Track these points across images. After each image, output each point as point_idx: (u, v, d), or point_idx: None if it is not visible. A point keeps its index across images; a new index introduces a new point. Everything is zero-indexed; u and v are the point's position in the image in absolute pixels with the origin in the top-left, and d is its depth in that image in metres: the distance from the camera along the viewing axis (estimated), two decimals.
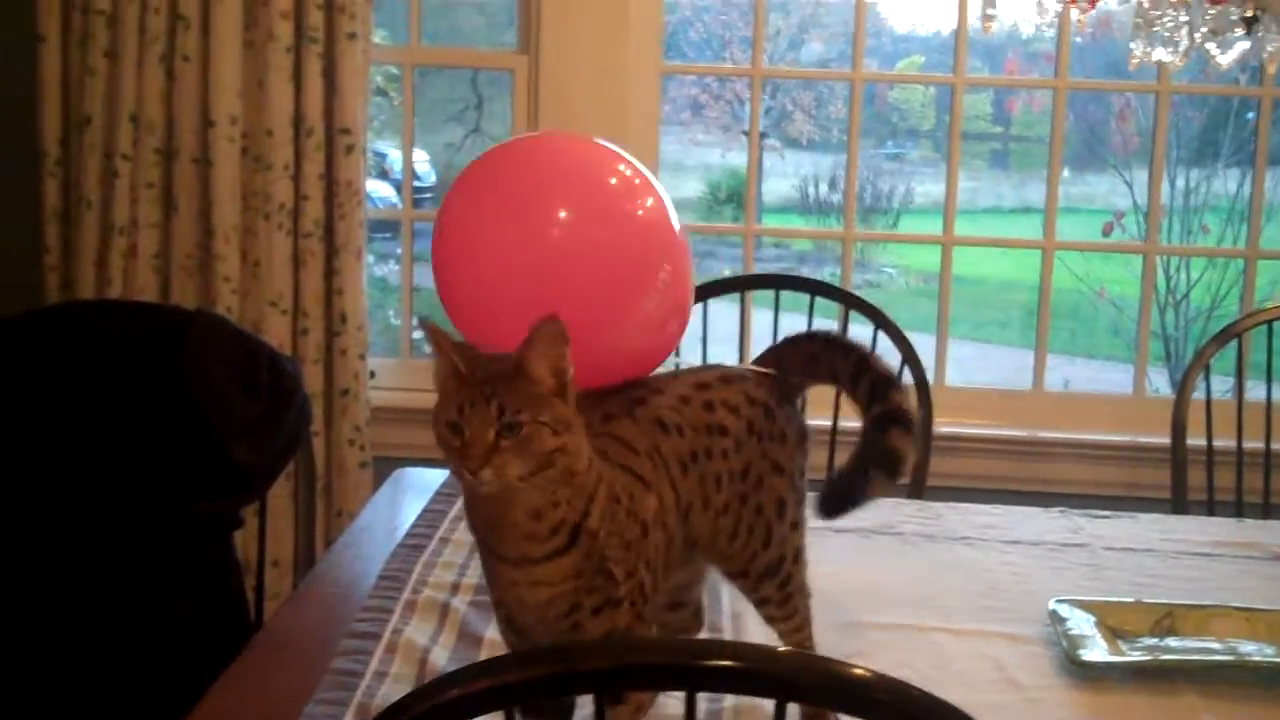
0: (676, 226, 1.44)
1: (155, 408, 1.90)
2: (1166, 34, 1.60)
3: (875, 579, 1.84)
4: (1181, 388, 2.55)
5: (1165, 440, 2.60)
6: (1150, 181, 3.25)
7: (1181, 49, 1.61)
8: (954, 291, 3.30)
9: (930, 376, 2.59)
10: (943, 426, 2.66)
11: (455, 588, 1.76)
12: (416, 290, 3.41)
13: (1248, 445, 2.55)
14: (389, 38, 3.23)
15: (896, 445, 1.39)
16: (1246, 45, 1.69)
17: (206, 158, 2.86)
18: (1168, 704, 1.50)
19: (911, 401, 1.45)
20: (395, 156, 5.49)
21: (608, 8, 3.02)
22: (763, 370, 1.45)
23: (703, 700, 1.40)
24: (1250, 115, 5.02)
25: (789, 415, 1.43)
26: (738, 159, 6.47)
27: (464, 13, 4.64)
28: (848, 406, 2.51)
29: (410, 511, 2.05)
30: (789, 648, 1.42)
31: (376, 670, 1.52)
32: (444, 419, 1.16)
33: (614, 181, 1.44)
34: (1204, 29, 1.67)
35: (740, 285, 2.76)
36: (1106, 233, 5.44)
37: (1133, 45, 1.66)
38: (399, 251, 3.41)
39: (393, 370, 3.20)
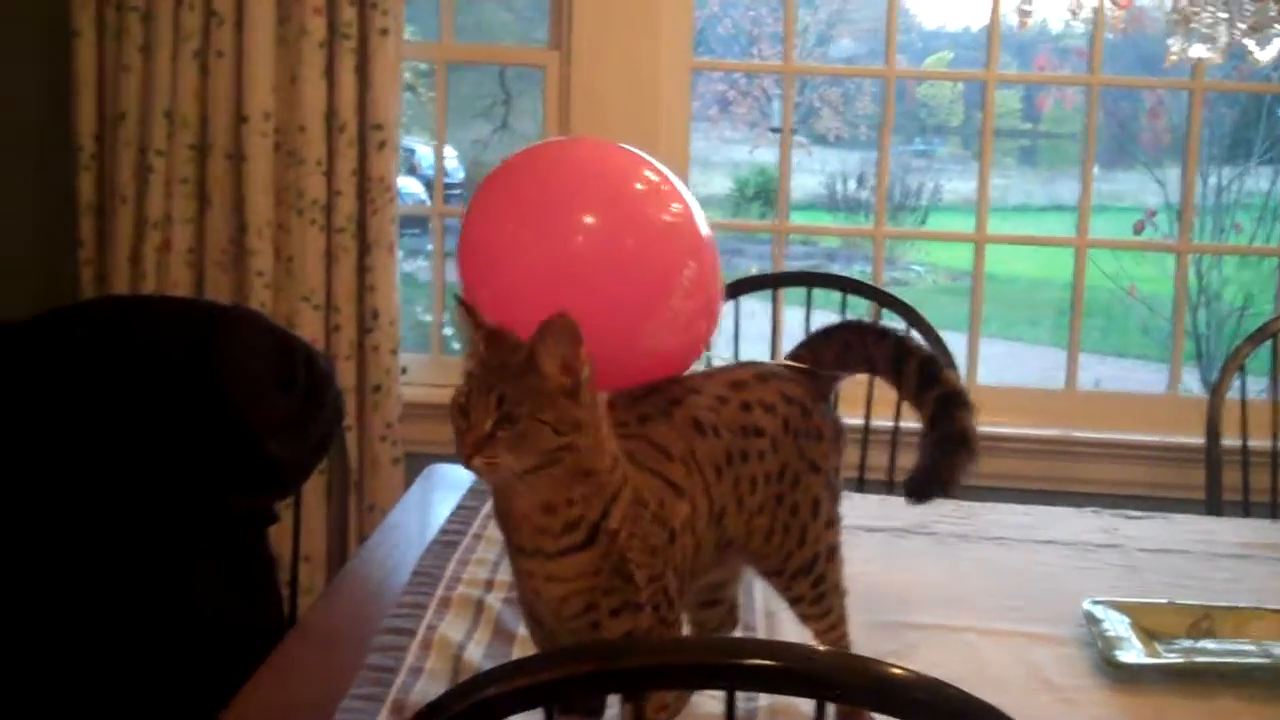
0: (704, 229, 1.43)
1: (190, 403, 1.91)
2: (1205, 30, 1.59)
3: (908, 579, 1.84)
4: (1216, 387, 2.53)
5: (1199, 440, 2.59)
6: (1184, 179, 3.23)
7: (1220, 45, 1.60)
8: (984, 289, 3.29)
9: (962, 375, 2.58)
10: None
11: (489, 584, 1.76)
12: (448, 286, 3.42)
13: None
14: (417, 33, 3.23)
15: (968, 424, 1.39)
16: None
17: (240, 153, 2.87)
18: (1204, 707, 1.49)
19: (959, 377, 1.44)
20: (423, 152, 5.50)
21: (639, 4, 3.02)
22: (797, 365, 1.45)
23: (738, 699, 1.40)
24: None
25: (824, 412, 1.42)
26: (765, 156, 6.46)
27: (490, 9, 4.64)
28: (880, 404, 2.52)
29: (442, 508, 2.06)
30: (826, 647, 1.41)
31: (412, 666, 1.52)
32: (455, 401, 1.17)
33: (640, 187, 1.43)
34: (1243, 25, 1.65)
35: (772, 283, 2.75)
36: (1138, 231, 5.41)
37: (1170, 42, 1.65)
38: (427, 247, 3.42)
39: (424, 366, 3.21)
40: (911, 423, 2.55)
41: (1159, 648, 1.60)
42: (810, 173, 6.70)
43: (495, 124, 5.48)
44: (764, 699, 1.44)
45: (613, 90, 3.03)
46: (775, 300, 2.75)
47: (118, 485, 1.87)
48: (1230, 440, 2.52)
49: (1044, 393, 3.30)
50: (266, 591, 2.02)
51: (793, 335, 1.50)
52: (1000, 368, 5.21)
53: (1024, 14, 1.68)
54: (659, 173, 1.44)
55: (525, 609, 1.31)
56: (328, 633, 1.68)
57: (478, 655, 1.56)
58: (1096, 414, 3.16)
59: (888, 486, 2.57)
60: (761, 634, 1.63)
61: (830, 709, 0.99)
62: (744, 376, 1.39)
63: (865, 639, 1.54)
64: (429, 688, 1.47)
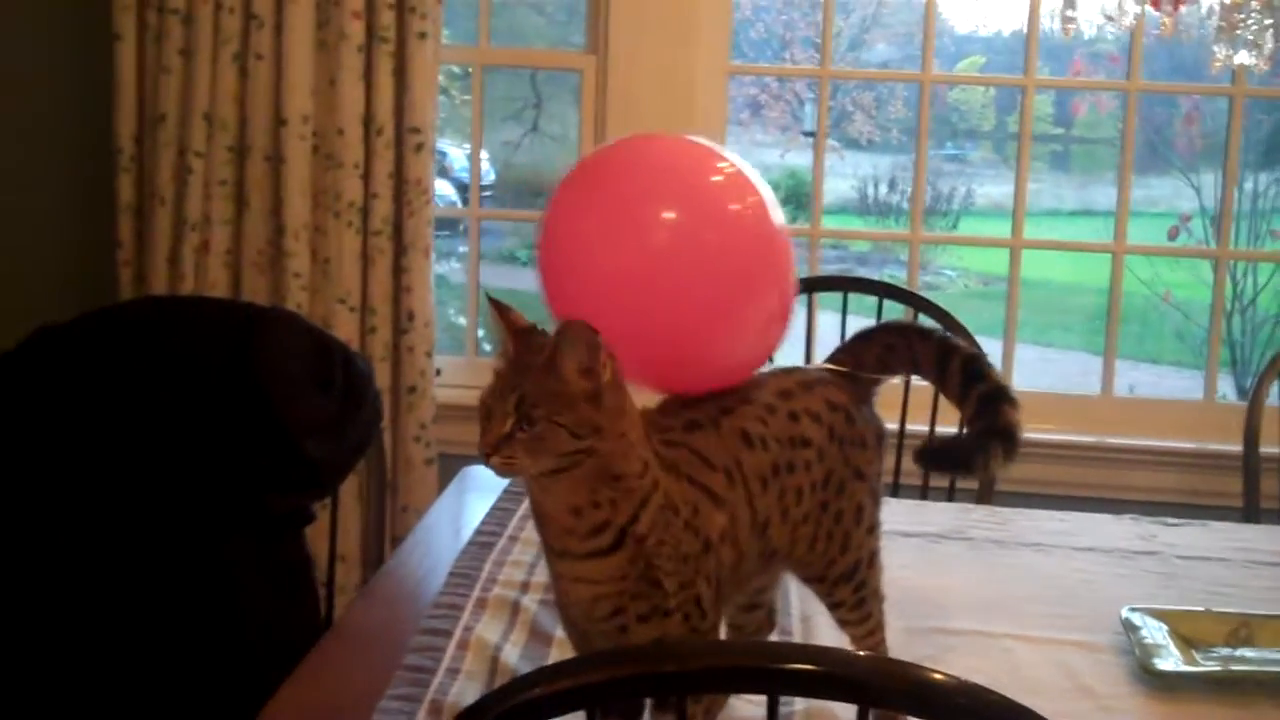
0: (780, 220, 1.40)
1: (229, 403, 1.92)
2: (1250, 37, 1.59)
3: (945, 584, 1.83)
4: (1255, 394, 2.51)
5: (1236, 447, 2.57)
6: (1223, 185, 3.21)
7: (1266, 52, 1.59)
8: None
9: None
10: None
11: (525, 586, 1.77)
12: (481, 288, 3.43)
13: None
14: (450, 37, 3.25)
15: (1013, 420, 1.38)
16: None
17: (278, 155, 2.89)
18: (1242, 715, 1.49)
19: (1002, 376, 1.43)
20: (454, 155, 5.52)
21: (676, 8, 3.02)
22: (839, 369, 1.45)
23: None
24: None
25: (868, 418, 1.42)
26: (797, 159, 6.45)
27: (522, 12, 4.65)
28: (915, 409, 2.51)
29: (476, 509, 2.07)
30: (867, 651, 1.41)
31: (449, 667, 1.53)
32: (481, 399, 1.18)
33: (718, 180, 1.40)
34: None
35: (807, 287, 2.75)
36: (1172, 237, 5.38)
37: (1215, 49, 1.64)
38: (459, 249, 3.43)
39: (457, 368, 3.22)
40: (948, 427, 2.54)
41: (1197, 656, 1.59)
42: (841, 176, 6.69)
43: (526, 127, 5.49)
44: (800, 703, 1.44)
45: (649, 94, 3.04)
46: (810, 304, 2.75)
47: (156, 485, 1.88)
48: (1268, 448, 2.51)
49: (1080, 398, 3.29)
50: (304, 592, 2.03)
51: (825, 339, 1.49)
52: (1032, 373, 5.19)
53: (1068, 20, 1.67)
54: (735, 165, 1.41)
55: (560, 610, 1.32)
56: (365, 633, 1.70)
57: (514, 657, 1.57)
58: (1132, 420, 3.15)
59: (922, 492, 2.57)
60: (797, 638, 1.63)
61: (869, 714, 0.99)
62: (790, 385, 1.38)
63: (902, 644, 1.54)
64: (466, 689, 1.47)
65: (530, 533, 1.91)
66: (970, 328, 2.56)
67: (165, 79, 2.89)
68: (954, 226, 6.71)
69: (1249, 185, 5.41)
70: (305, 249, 2.92)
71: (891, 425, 2.54)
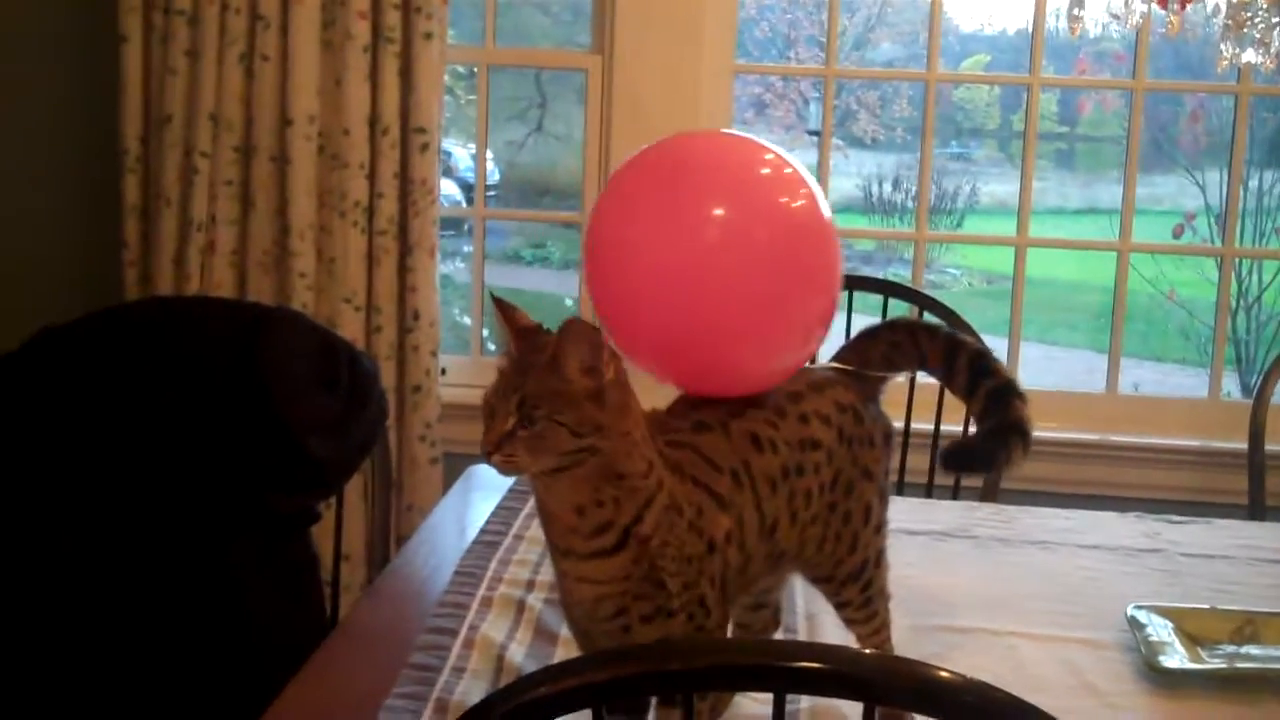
0: (827, 213, 1.39)
1: (235, 403, 1.93)
2: (1257, 35, 1.58)
3: (950, 582, 1.83)
4: (1260, 392, 2.51)
5: (1241, 445, 2.57)
6: (1228, 183, 3.21)
7: (1274, 50, 1.59)
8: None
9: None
10: None
11: (530, 584, 1.77)
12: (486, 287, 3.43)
13: None
14: (455, 37, 3.25)
15: (1024, 414, 1.40)
16: None
17: (284, 156, 2.89)
18: (1247, 712, 1.49)
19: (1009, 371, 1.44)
20: (459, 155, 5.52)
21: (681, 8, 3.02)
22: (846, 368, 1.45)
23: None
24: None
25: (875, 417, 1.42)
26: (801, 158, 6.44)
27: (527, 12, 4.65)
28: (920, 407, 2.52)
29: (481, 509, 2.07)
30: (873, 650, 1.41)
31: (454, 666, 1.53)
32: (485, 397, 1.18)
33: (766, 173, 1.38)
34: None
35: None
36: (1177, 235, 5.38)
37: (1222, 47, 1.64)
38: (464, 249, 3.43)
39: (462, 367, 3.22)
40: (953, 425, 2.54)
41: (1202, 653, 1.60)
42: (846, 175, 6.69)
43: (531, 127, 5.49)
44: (805, 701, 1.44)
45: (654, 93, 3.04)
46: None
47: (162, 485, 1.89)
48: (1273, 445, 2.51)
49: (1085, 397, 3.29)
50: (309, 591, 2.03)
51: (830, 338, 1.49)
52: (1037, 371, 5.18)
53: (1075, 20, 1.67)
54: (784, 161, 1.40)
55: (564, 610, 1.32)
56: (370, 632, 1.70)
57: (519, 655, 1.57)
58: (1137, 418, 3.15)
59: (927, 490, 2.57)
60: (803, 636, 1.64)
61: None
62: (800, 387, 1.37)
63: (907, 642, 1.54)
64: (471, 688, 1.48)
65: (536, 531, 1.91)
66: (975, 326, 2.55)
67: (171, 80, 2.89)
68: (958, 225, 6.70)
69: (1254, 183, 5.40)
70: (311, 249, 2.92)
71: (897, 423, 2.56)
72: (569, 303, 3.50)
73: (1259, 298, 5.38)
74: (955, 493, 2.54)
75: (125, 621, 1.84)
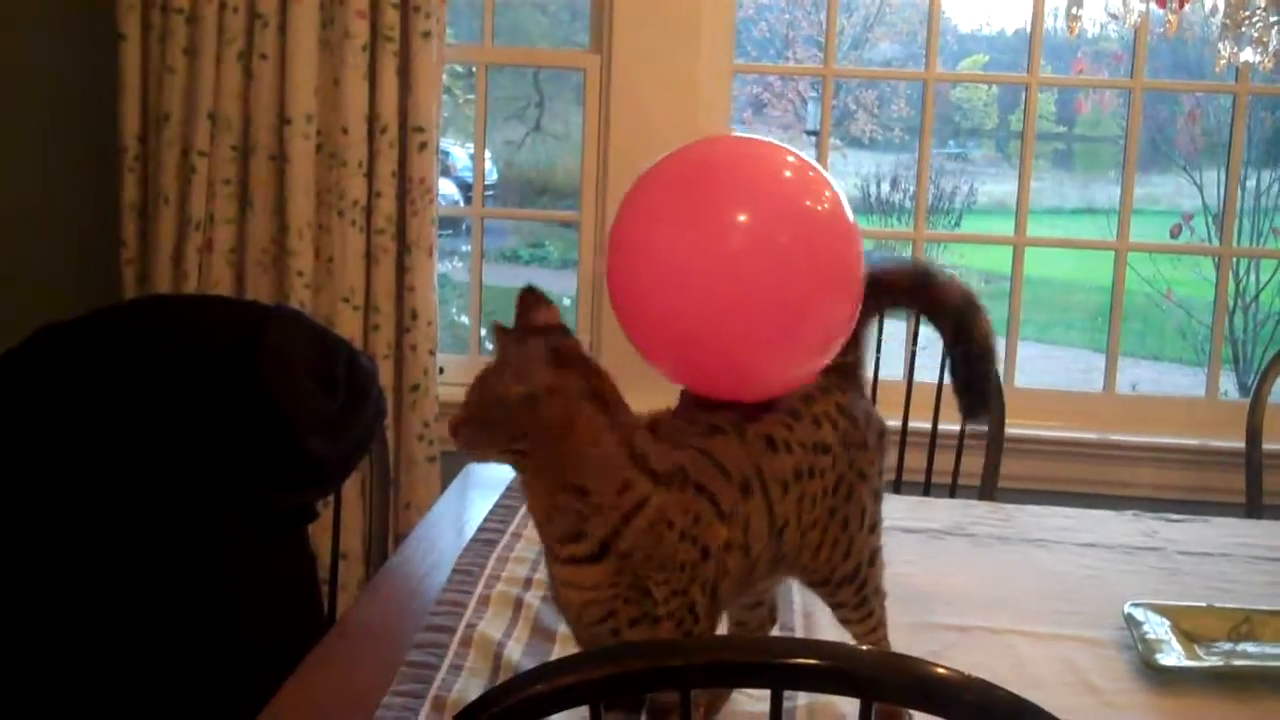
0: (850, 216, 1.38)
1: (233, 401, 1.93)
2: (1255, 34, 1.58)
3: (948, 580, 1.84)
4: (1257, 391, 2.52)
5: (1238, 444, 2.57)
6: (1226, 183, 3.22)
7: (1271, 49, 1.59)
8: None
9: (1000, 378, 2.58)
10: (1013, 428, 2.65)
11: (528, 582, 1.77)
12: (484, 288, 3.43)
13: None
14: (453, 36, 3.25)
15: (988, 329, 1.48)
16: None
17: (282, 154, 2.89)
18: (1244, 710, 1.49)
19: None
20: (457, 154, 5.53)
21: (680, 7, 3.02)
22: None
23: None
24: None
25: (869, 416, 1.42)
26: None
27: (525, 11, 4.66)
28: (918, 407, 2.52)
29: (479, 507, 2.07)
30: (872, 647, 1.41)
31: (452, 664, 1.53)
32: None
33: (790, 174, 1.37)
34: None
35: None
36: (1175, 234, 5.39)
37: (1220, 46, 1.64)
38: (462, 248, 3.43)
39: (460, 367, 3.22)
40: (950, 424, 2.55)
41: (1199, 651, 1.60)
42: (844, 175, 6.69)
43: (529, 126, 5.50)
44: (802, 698, 1.44)
45: (653, 93, 3.04)
46: None
47: (160, 483, 1.89)
48: (1270, 444, 2.51)
49: (1082, 396, 3.29)
50: (307, 589, 2.03)
51: None
52: (1034, 370, 5.19)
53: (1073, 19, 1.67)
54: (807, 164, 1.39)
55: (558, 609, 1.33)
56: (368, 630, 1.70)
57: (517, 653, 1.57)
58: (1135, 417, 3.15)
59: (925, 488, 2.57)
60: (800, 634, 1.64)
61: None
62: (809, 389, 1.37)
63: (905, 640, 1.54)
64: (469, 685, 1.48)
65: (533, 530, 1.90)
66: None
67: (170, 78, 2.89)
68: (956, 225, 6.71)
69: (1251, 183, 5.41)
70: (309, 248, 2.92)
71: (894, 423, 2.57)
72: (566, 302, 3.50)
73: (1256, 297, 5.40)
74: (953, 491, 2.54)
75: (123, 619, 1.84)
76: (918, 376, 2.69)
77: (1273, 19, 1.56)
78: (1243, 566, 1.93)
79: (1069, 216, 6.90)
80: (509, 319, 1.25)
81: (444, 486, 2.66)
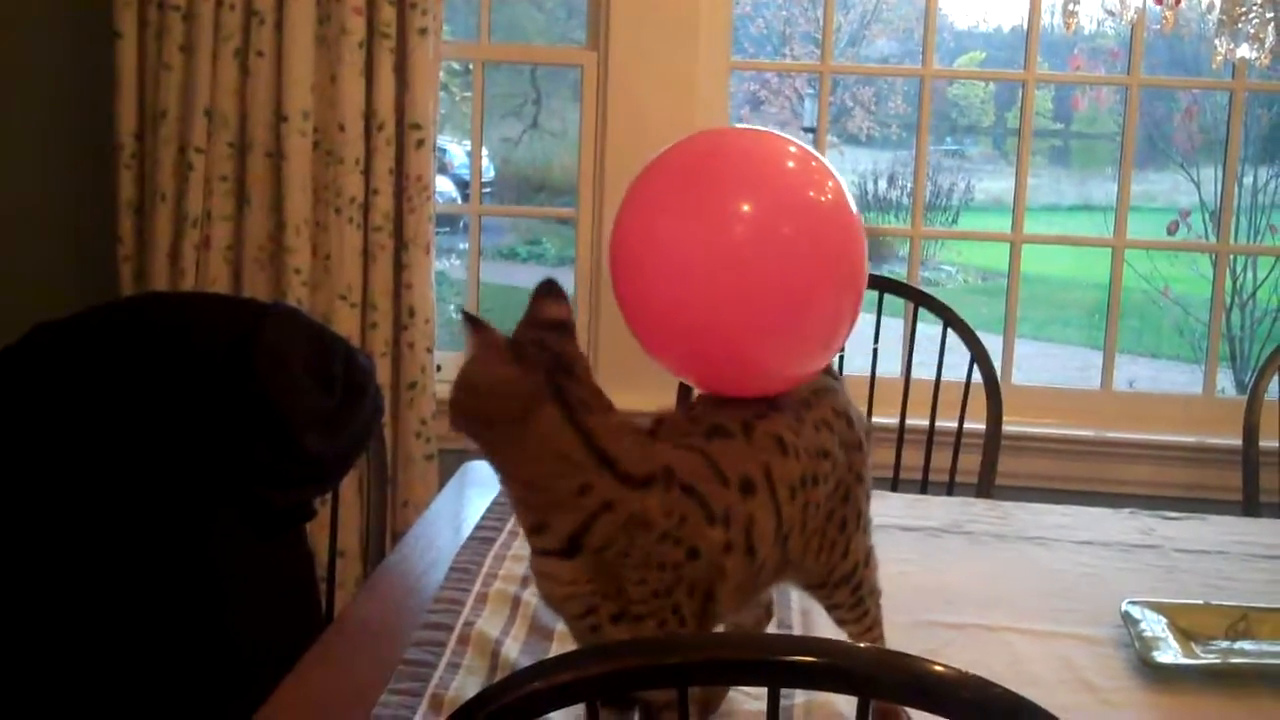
0: (854, 209, 1.38)
1: (230, 398, 1.93)
2: (1252, 30, 1.59)
3: (945, 579, 1.84)
4: (1254, 388, 2.52)
5: (1235, 441, 2.57)
6: (1223, 180, 3.22)
7: (1268, 46, 1.59)
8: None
9: (998, 375, 2.58)
10: (1011, 426, 2.65)
11: (525, 580, 1.77)
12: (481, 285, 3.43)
13: None
14: (450, 33, 3.25)
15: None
16: None
17: (279, 151, 2.89)
18: (1240, 707, 1.49)
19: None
20: (454, 151, 5.53)
21: (677, 4, 3.02)
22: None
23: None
24: None
25: (859, 417, 1.41)
26: None
27: (522, 8, 4.66)
28: (915, 404, 2.52)
29: (477, 505, 2.07)
30: (870, 644, 1.41)
31: (449, 662, 1.53)
32: None
33: (793, 165, 1.37)
34: None
35: None
36: (1172, 231, 5.40)
37: (1216, 42, 1.64)
38: (459, 246, 3.43)
39: (457, 364, 3.21)
40: (948, 422, 2.55)
41: (1196, 648, 1.60)
42: (841, 172, 6.69)
43: (526, 123, 5.50)
44: (800, 696, 1.44)
45: (650, 90, 3.04)
46: None
47: (156, 481, 1.88)
48: (1268, 442, 2.51)
49: (1079, 393, 3.29)
50: (304, 587, 2.03)
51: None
52: (1031, 368, 5.20)
53: (1070, 16, 1.67)
54: (810, 155, 1.39)
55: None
56: (365, 628, 1.70)
57: (515, 651, 1.57)
58: (1132, 415, 3.15)
59: (922, 486, 2.57)
60: (797, 631, 1.64)
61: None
62: (806, 394, 1.37)
63: (902, 638, 1.54)
64: (467, 683, 1.48)
65: None
66: (970, 323, 2.56)
67: (166, 75, 2.89)
68: (953, 222, 6.72)
69: (1248, 180, 5.42)
70: (306, 245, 2.92)
71: (891, 420, 2.57)
72: None
73: (1253, 294, 5.40)
74: (950, 489, 2.54)
75: (120, 617, 1.84)
76: (916, 373, 2.69)
77: (1269, 15, 1.56)
78: (1240, 564, 1.93)
79: (1066, 213, 6.91)
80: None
81: (442, 484, 2.66)
